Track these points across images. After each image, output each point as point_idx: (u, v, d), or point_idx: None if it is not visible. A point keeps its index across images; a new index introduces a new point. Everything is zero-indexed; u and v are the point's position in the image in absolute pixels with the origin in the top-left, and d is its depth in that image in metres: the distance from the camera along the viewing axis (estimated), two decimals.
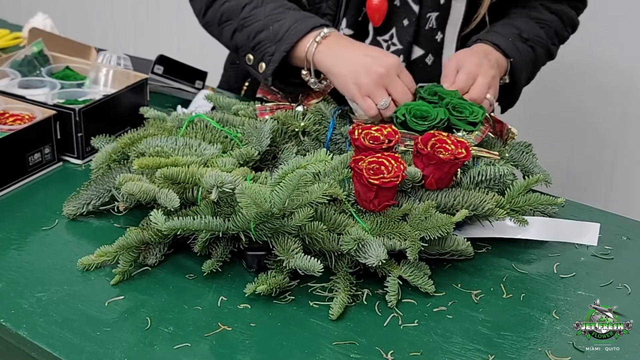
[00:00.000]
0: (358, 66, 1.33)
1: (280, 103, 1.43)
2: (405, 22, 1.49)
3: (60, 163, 1.44)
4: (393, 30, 1.50)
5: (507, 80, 1.49)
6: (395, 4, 1.48)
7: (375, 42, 1.50)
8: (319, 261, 1.07)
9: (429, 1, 1.48)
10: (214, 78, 1.83)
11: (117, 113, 1.50)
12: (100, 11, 3.30)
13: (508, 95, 1.54)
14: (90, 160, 1.36)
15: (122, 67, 1.66)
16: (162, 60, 1.69)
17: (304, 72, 1.41)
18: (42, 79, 1.60)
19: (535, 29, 1.54)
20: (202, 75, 1.73)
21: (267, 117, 1.38)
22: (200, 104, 1.60)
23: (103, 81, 1.61)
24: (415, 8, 1.48)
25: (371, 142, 1.20)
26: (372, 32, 1.50)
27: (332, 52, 1.36)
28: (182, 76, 1.70)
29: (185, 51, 2.73)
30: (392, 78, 1.33)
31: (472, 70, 1.40)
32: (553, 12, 1.58)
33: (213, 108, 1.52)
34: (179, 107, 1.60)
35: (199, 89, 1.72)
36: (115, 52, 1.71)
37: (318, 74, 1.40)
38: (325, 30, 1.38)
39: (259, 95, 1.50)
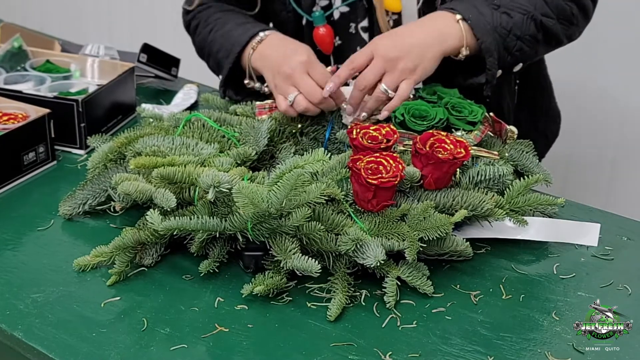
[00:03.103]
0: (275, 67, 1.39)
1: None
2: (359, 49, 1.46)
3: (55, 162, 1.44)
4: None
5: (464, 53, 1.35)
6: (350, 32, 1.50)
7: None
8: (317, 262, 1.07)
9: (379, 31, 1.45)
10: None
11: (110, 102, 1.54)
12: (96, 7, 3.29)
13: (478, 69, 1.38)
14: (92, 150, 1.38)
15: (109, 58, 1.69)
16: (146, 48, 1.74)
17: (245, 80, 1.48)
18: (26, 74, 1.61)
19: None
20: (176, 62, 1.80)
21: (264, 116, 1.38)
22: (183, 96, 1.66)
23: (90, 72, 1.64)
24: (365, 36, 1.50)
25: (369, 141, 1.19)
26: (333, 60, 1.53)
27: (262, 56, 1.43)
28: (162, 63, 1.76)
29: (183, 49, 2.72)
30: (297, 76, 1.35)
31: (367, 51, 1.33)
32: None
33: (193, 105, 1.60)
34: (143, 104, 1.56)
35: (174, 76, 1.78)
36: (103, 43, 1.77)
37: (262, 79, 1.46)
38: (261, 34, 1.45)
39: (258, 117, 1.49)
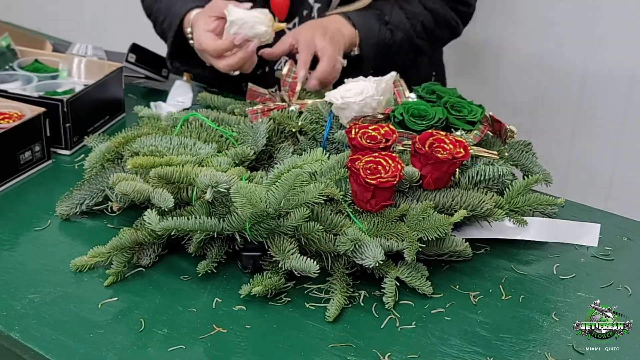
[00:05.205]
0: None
1: (271, 104, 1.42)
2: (305, 12, 1.64)
3: (50, 161, 1.43)
4: (296, 20, 1.65)
5: (356, 52, 1.60)
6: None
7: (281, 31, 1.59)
8: (315, 262, 1.06)
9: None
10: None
11: (97, 102, 1.53)
12: (92, 7, 3.29)
13: (356, 69, 1.58)
14: (78, 150, 1.39)
15: (96, 58, 1.68)
16: (135, 48, 1.73)
17: (190, 41, 1.59)
18: (14, 73, 1.60)
19: (401, 17, 1.64)
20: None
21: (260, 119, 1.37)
22: (178, 92, 1.67)
23: (77, 72, 1.63)
24: (311, 1, 1.64)
25: (368, 141, 1.18)
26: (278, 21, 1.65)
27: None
28: (152, 64, 1.75)
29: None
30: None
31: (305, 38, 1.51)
32: (427, 9, 1.67)
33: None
34: (152, 104, 1.60)
35: (165, 77, 1.77)
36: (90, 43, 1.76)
37: None
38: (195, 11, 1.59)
39: (248, 100, 1.49)
